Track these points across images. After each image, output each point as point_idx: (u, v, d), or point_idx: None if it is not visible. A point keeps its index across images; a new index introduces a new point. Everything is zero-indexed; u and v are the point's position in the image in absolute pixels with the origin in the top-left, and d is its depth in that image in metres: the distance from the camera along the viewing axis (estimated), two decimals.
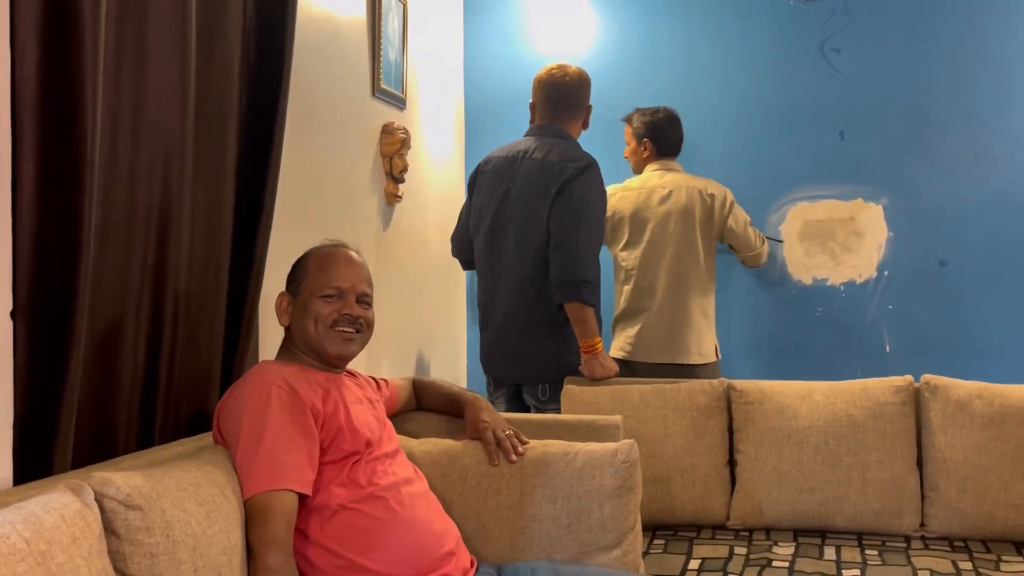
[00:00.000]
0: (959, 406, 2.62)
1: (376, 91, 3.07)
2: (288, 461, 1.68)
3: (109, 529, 1.37)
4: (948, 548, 2.51)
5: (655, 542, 2.61)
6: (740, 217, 3.42)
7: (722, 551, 2.52)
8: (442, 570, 1.74)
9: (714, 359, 3.41)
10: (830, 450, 2.65)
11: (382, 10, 3.07)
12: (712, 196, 3.37)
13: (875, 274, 3.78)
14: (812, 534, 2.63)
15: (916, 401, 2.71)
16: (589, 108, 3.18)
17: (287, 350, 1.92)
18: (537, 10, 4.06)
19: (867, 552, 2.48)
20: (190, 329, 1.94)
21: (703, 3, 3.91)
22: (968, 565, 2.37)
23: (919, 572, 2.32)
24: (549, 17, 4.05)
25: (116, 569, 1.36)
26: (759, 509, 2.68)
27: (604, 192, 3.09)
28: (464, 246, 3.32)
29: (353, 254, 1.97)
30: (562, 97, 3.13)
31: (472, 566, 1.84)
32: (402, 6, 3.29)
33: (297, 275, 1.91)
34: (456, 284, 3.99)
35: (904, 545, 2.54)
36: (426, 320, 3.64)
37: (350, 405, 1.84)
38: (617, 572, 1.91)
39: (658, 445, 2.76)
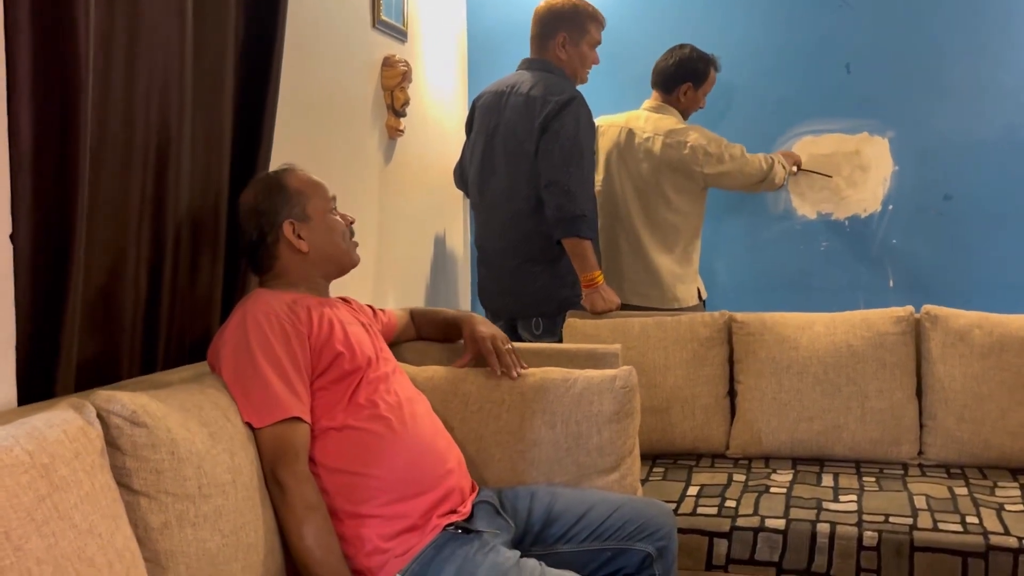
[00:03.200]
0: (959, 336, 2.64)
1: (376, 23, 3.04)
2: (300, 390, 1.72)
3: (114, 445, 1.40)
4: (945, 475, 2.55)
5: (655, 470, 2.65)
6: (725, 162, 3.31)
7: (720, 478, 2.55)
8: (445, 486, 1.77)
9: (695, 303, 3.39)
10: (830, 380, 2.68)
11: None
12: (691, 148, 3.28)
13: (880, 208, 3.76)
14: (811, 462, 2.67)
15: (916, 331, 2.73)
16: (574, 33, 3.13)
17: (278, 280, 1.91)
18: None
19: (864, 479, 2.51)
20: (191, 256, 1.96)
21: None
22: (964, 490, 2.40)
23: (915, 497, 2.35)
24: None
25: (121, 484, 1.39)
26: (758, 438, 2.72)
27: (591, 124, 3.10)
28: (464, 179, 3.40)
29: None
30: (540, 30, 3.15)
31: (473, 490, 1.88)
32: None
33: (292, 200, 1.90)
34: (458, 218, 4.00)
35: (902, 472, 2.57)
36: (429, 254, 3.65)
37: (347, 326, 1.86)
38: (615, 495, 1.94)
39: (659, 376, 2.78)
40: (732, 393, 2.82)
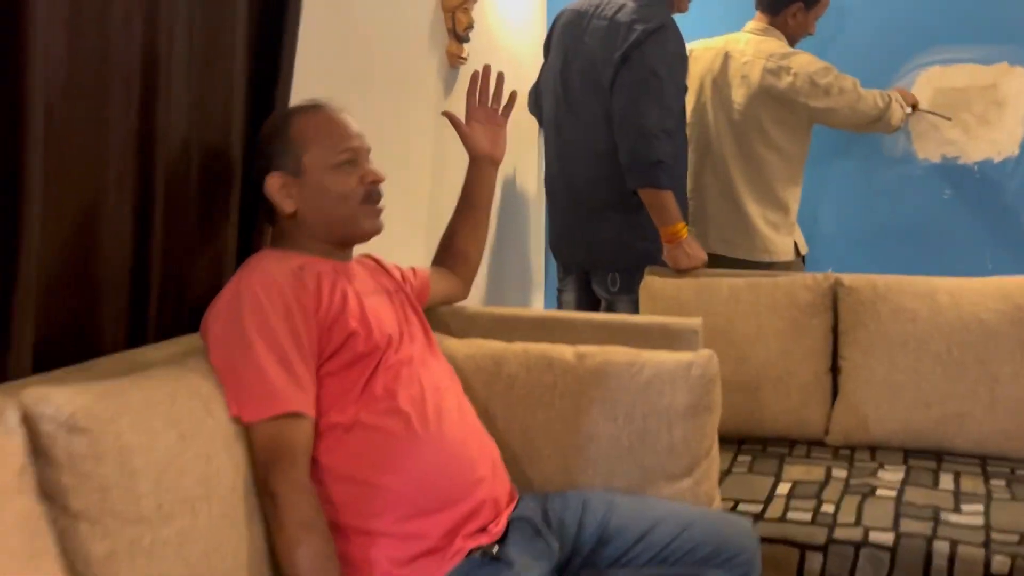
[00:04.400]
0: None
1: None
2: (303, 378, 1.44)
3: (46, 457, 1.13)
4: None
5: (740, 458, 2.32)
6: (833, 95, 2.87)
7: (817, 472, 2.20)
8: (473, 499, 1.47)
9: (790, 258, 2.99)
10: (954, 359, 2.28)
11: None
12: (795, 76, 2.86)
13: (1017, 152, 3.27)
14: (926, 456, 2.29)
15: None
16: None
17: (285, 238, 1.62)
18: None
19: (992, 482, 2.12)
20: (193, 204, 1.66)
21: None
22: None
23: None
24: None
25: (59, 505, 1.13)
26: (864, 424, 2.34)
27: (682, 57, 2.73)
28: (539, 107, 3.08)
29: (339, 109, 1.66)
30: None
31: (512, 500, 1.57)
32: None
33: (287, 148, 1.58)
34: (532, 152, 3.63)
35: None
36: (495, 196, 3.31)
37: (364, 298, 1.56)
38: (685, 508, 1.62)
39: (749, 348, 2.43)
40: (835, 370, 2.44)
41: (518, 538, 1.47)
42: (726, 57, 2.96)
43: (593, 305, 2.96)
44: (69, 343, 1.44)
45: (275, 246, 1.64)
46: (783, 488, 2.11)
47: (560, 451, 1.71)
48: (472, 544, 1.43)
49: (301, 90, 1.87)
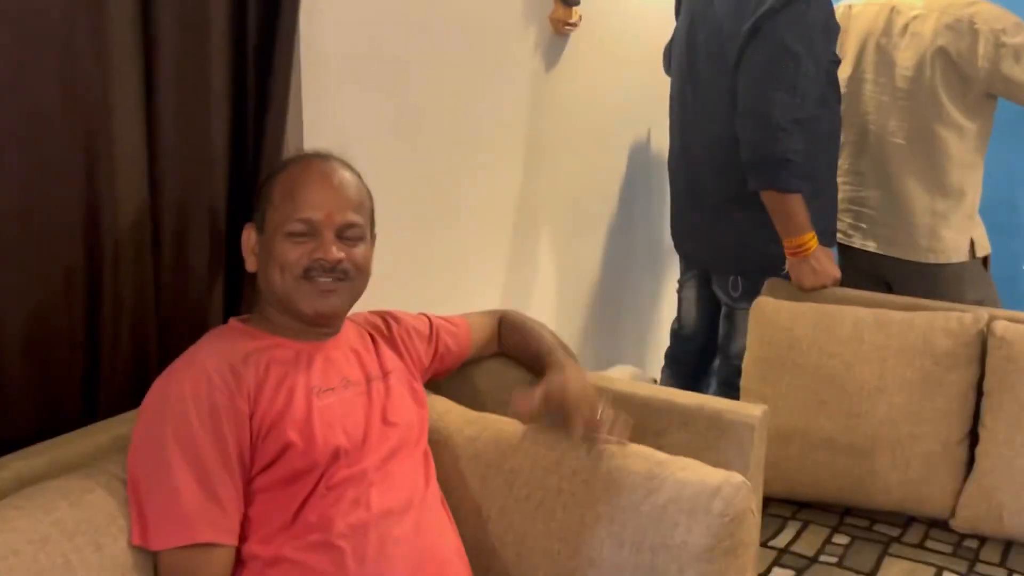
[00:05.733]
0: None
1: None
2: (225, 499, 1.25)
3: None
4: None
5: (835, 538, 1.98)
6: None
7: (925, 573, 1.82)
8: None
9: (964, 259, 2.49)
10: None
11: None
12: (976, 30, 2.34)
13: None
14: None
15: None
16: None
17: (260, 306, 1.44)
18: None
19: None
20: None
21: None
22: None
23: None
24: None
25: None
26: (999, 513, 1.93)
27: (826, 29, 2.29)
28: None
29: (335, 169, 1.42)
30: None
31: None
32: None
33: (262, 202, 1.41)
34: (655, 136, 3.22)
35: None
36: (619, 172, 2.99)
37: (319, 397, 1.35)
38: None
39: (867, 401, 2.06)
40: (973, 439, 2.01)
41: None
42: (892, 11, 2.49)
43: (714, 308, 2.63)
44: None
45: (250, 314, 1.47)
46: None
47: (555, 571, 1.45)
48: None
49: (368, 65, 1.88)
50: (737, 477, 1.40)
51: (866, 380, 2.05)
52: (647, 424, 1.59)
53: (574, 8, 2.52)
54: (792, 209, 2.23)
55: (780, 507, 2.09)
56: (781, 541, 1.96)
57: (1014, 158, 2.79)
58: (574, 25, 2.54)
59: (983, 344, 2.02)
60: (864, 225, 2.58)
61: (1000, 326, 2.00)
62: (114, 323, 1.44)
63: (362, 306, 1.54)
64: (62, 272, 1.38)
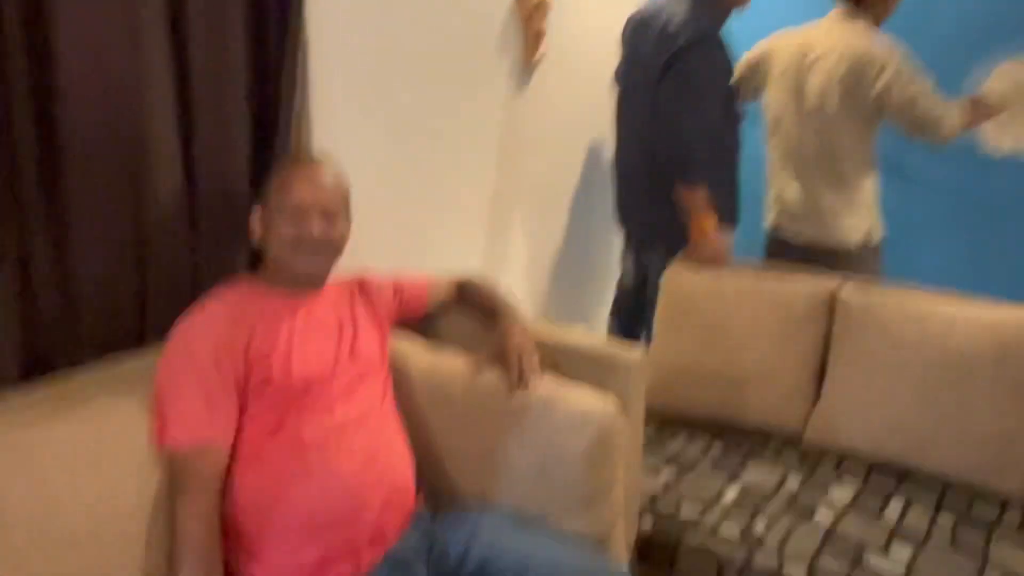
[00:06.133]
0: None
1: None
2: (221, 412, 1.24)
3: None
4: None
5: (712, 450, 1.92)
6: (905, 91, 2.13)
7: (773, 479, 1.79)
8: (351, 534, 1.23)
9: (860, 242, 2.29)
10: (929, 389, 1.75)
11: None
12: (868, 63, 2.15)
13: None
14: (889, 473, 1.80)
15: None
16: None
17: (266, 264, 1.42)
18: None
19: (940, 518, 1.63)
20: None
21: None
22: None
23: (988, 571, 1.46)
24: None
25: None
26: (836, 434, 1.87)
27: (723, 66, 2.17)
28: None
29: (319, 168, 1.40)
30: None
31: (403, 526, 1.31)
32: None
33: (271, 187, 1.39)
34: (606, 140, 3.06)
35: (995, 514, 1.64)
36: (571, 176, 2.87)
37: (298, 336, 1.33)
38: (568, 555, 1.30)
39: (742, 345, 1.99)
40: (822, 376, 1.94)
41: (382, 574, 1.23)
42: (803, 50, 2.29)
43: (646, 270, 2.55)
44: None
45: (257, 271, 1.44)
46: (731, 493, 1.72)
47: (481, 471, 1.43)
48: (338, 573, 1.21)
49: (372, 87, 1.81)
50: (609, 402, 1.37)
51: (742, 331, 1.99)
52: (560, 361, 1.54)
53: (539, 46, 2.43)
54: (696, 200, 2.15)
55: (675, 424, 2.04)
56: (672, 448, 1.92)
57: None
58: (539, 59, 2.46)
59: (832, 305, 1.95)
60: (788, 218, 2.40)
61: (844, 292, 1.93)
62: (156, 282, 1.43)
63: (373, 261, 1.61)
64: (119, 243, 1.38)
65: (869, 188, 2.32)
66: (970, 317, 1.76)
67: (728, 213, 2.32)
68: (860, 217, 2.31)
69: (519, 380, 1.42)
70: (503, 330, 1.51)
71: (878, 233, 2.35)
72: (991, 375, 1.68)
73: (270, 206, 1.37)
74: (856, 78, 2.15)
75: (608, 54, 2.71)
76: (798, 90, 2.29)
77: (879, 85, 2.14)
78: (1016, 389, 1.67)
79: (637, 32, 2.33)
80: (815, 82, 2.24)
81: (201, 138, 1.46)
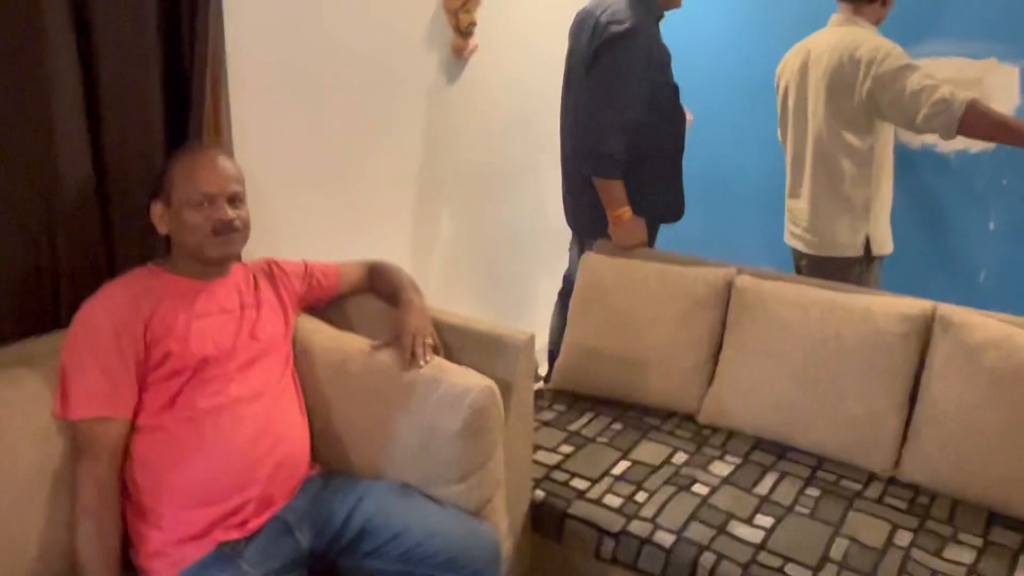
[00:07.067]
0: (969, 354, 1.71)
1: None
2: (122, 386, 1.33)
3: None
4: (905, 505, 1.71)
5: (614, 425, 2.03)
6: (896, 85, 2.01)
7: (663, 453, 1.90)
8: (240, 498, 1.33)
9: (857, 254, 2.22)
10: (808, 372, 1.87)
11: None
12: (856, 62, 2.08)
13: (993, 146, 2.57)
14: (771, 450, 1.92)
15: (925, 334, 1.81)
16: None
17: (170, 254, 1.49)
18: None
19: (807, 490, 1.75)
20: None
21: None
22: (907, 537, 1.60)
23: (838, 539, 1.58)
24: None
25: None
26: (726, 413, 2.00)
27: (647, 57, 2.20)
28: None
29: (216, 155, 1.47)
30: None
31: (290, 495, 1.42)
32: None
33: (165, 184, 1.45)
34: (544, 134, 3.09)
35: (858, 488, 1.77)
36: (504, 169, 2.93)
37: (196, 320, 1.42)
38: (440, 517, 1.41)
39: (645, 329, 2.10)
40: (717, 359, 2.06)
41: (265, 537, 1.34)
42: (805, 55, 2.25)
43: None
44: None
45: (159, 260, 1.51)
46: (620, 467, 1.84)
47: (372, 444, 1.53)
48: (224, 537, 1.32)
49: (294, 76, 1.85)
50: (487, 382, 1.48)
51: (645, 315, 2.10)
52: (453, 343, 1.65)
53: (470, 38, 2.52)
54: (612, 190, 2.22)
55: (584, 402, 2.14)
56: (575, 426, 2.03)
57: None
58: (471, 51, 2.54)
59: (729, 292, 2.07)
60: (794, 227, 2.37)
61: (740, 280, 2.04)
62: (69, 266, 1.51)
63: (295, 252, 1.67)
64: (30, 228, 1.45)
65: (869, 198, 2.20)
66: (845, 304, 1.87)
67: (673, 201, 2.38)
68: (856, 228, 2.21)
69: (411, 360, 1.52)
70: (402, 312, 1.62)
71: (883, 246, 2.26)
72: (864, 358, 1.80)
73: (173, 198, 1.43)
74: (838, 80, 2.10)
75: (544, 47, 2.79)
76: (800, 99, 2.26)
77: (866, 83, 2.05)
78: (883, 373, 1.79)
79: (579, 25, 2.36)
80: (809, 86, 2.21)
81: (110, 124, 1.52)
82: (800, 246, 2.35)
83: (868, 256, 2.24)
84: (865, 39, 2.10)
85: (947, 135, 1.98)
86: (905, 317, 1.80)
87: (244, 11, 1.80)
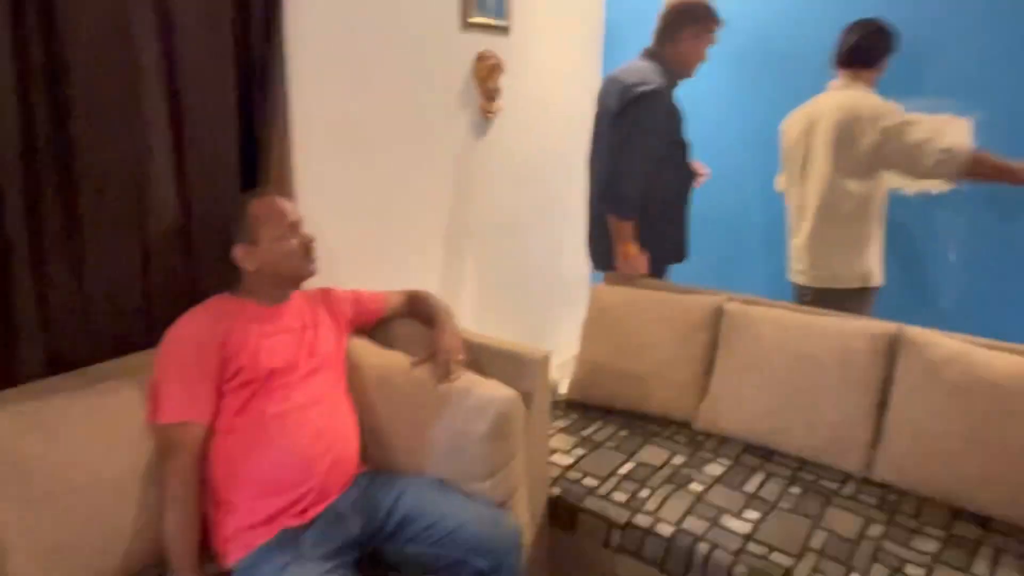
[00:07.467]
0: (932, 368, 1.70)
1: (465, 24, 2.41)
2: (201, 396, 1.38)
3: None
4: (876, 502, 1.69)
5: (620, 432, 2.04)
6: (897, 141, 2.02)
7: (662, 456, 1.90)
8: (301, 490, 1.38)
9: (853, 286, 2.19)
10: (790, 384, 1.87)
11: None
12: (860, 120, 2.07)
13: (947, 188, 2.56)
14: (758, 453, 1.91)
15: (890, 351, 1.80)
16: (694, 30, 2.23)
17: (242, 284, 1.54)
18: None
19: (791, 489, 1.74)
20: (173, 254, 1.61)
21: None
22: (878, 530, 1.58)
23: (817, 531, 1.57)
24: None
25: None
26: (718, 421, 1.99)
27: (666, 116, 2.21)
28: None
29: (277, 196, 1.54)
30: (666, 23, 2.26)
31: (344, 487, 1.45)
32: None
33: (246, 228, 1.50)
34: (578, 194, 3.12)
35: (835, 487, 1.75)
36: (525, 209, 2.97)
37: (264, 340, 1.47)
38: (470, 509, 1.44)
39: (648, 347, 2.11)
40: (711, 373, 2.06)
41: (321, 524, 1.37)
42: (811, 116, 2.24)
43: None
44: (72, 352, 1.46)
45: (234, 289, 1.56)
46: (626, 467, 1.84)
47: (412, 445, 1.56)
48: (287, 524, 1.35)
49: (357, 141, 1.91)
50: (510, 392, 1.50)
51: (647, 336, 2.11)
52: (480, 359, 1.67)
53: (494, 102, 2.59)
54: (624, 229, 2.23)
55: (595, 412, 2.15)
56: (587, 432, 2.03)
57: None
58: (496, 112, 2.61)
59: (720, 316, 2.08)
60: (795, 264, 2.34)
61: (729, 306, 2.05)
62: (159, 291, 1.58)
63: (347, 280, 1.73)
64: (126, 258, 1.53)
65: (866, 237, 2.19)
66: (819, 325, 1.88)
67: (666, 248, 2.36)
68: (851, 263, 2.20)
69: (445, 374, 1.56)
70: (437, 333, 1.66)
71: (874, 278, 2.24)
72: (836, 372, 1.80)
73: (261, 236, 1.48)
74: (844, 135, 2.09)
75: (557, 111, 2.86)
76: (806, 152, 2.25)
77: (867, 140, 2.05)
78: (855, 386, 1.79)
79: (607, 87, 2.36)
80: (815, 142, 2.21)
81: (194, 177, 1.60)
82: (803, 280, 2.31)
83: (863, 287, 2.23)
84: (866, 99, 2.12)
85: (952, 179, 2.00)
86: (873, 336, 1.80)
87: (306, 79, 1.88)
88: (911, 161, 2.03)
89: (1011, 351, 1.68)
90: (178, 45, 1.52)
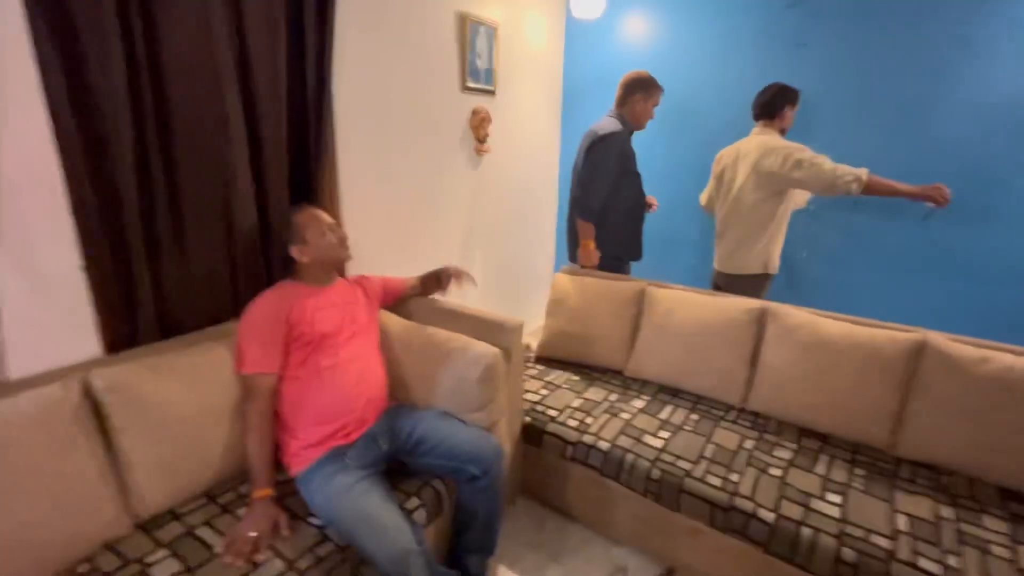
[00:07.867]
0: (788, 331, 1.73)
1: (464, 88, 2.37)
2: (272, 353, 1.36)
3: (97, 400, 1.14)
4: (749, 424, 1.72)
5: (572, 377, 2.03)
6: (800, 169, 1.99)
7: (601, 393, 1.91)
8: (346, 419, 1.38)
9: (757, 272, 2.16)
10: (690, 343, 1.88)
11: (468, 37, 2.30)
12: (775, 151, 2.05)
13: (804, 206, 2.55)
14: (670, 392, 1.92)
15: (761, 320, 1.82)
16: (643, 96, 2.19)
17: (298, 272, 1.51)
18: (623, 28, 2.94)
19: (691, 415, 1.77)
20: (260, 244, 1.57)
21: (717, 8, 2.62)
22: (751, 443, 1.61)
23: (708, 445, 1.60)
24: (630, 33, 2.92)
25: (111, 442, 1.14)
26: (641, 368, 2.00)
27: (619, 153, 2.16)
28: None
29: (312, 207, 1.52)
30: (624, 90, 2.21)
31: (376, 418, 1.45)
32: (492, 30, 2.46)
33: (299, 231, 1.47)
34: (545, 210, 3.13)
35: (721, 414, 1.78)
36: (517, 218, 2.96)
37: (317, 312, 1.45)
38: (467, 431, 1.44)
39: (592, 318, 2.10)
40: (635, 337, 2.07)
41: (361, 444, 1.37)
42: (737, 152, 2.20)
43: None
44: (181, 318, 1.43)
45: (292, 276, 1.53)
46: (577, 402, 1.85)
47: (427, 387, 1.57)
48: (335, 443, 1.35)
49: (387, 169, 1.88)
50: (495, 350, 1.50)
51: (593, 310, 2.09)
52: (473, 325, 1.64)
53: (484, 144, 2.55)
54: (586, 229, 2.19)
55: (556, 363, 2.14)
56: (550, 378, 2.02)
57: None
58: (486, 152, 2.58)
59: (643, 295, 2.08)
60: (717, 256, 2.32)
61: (649, 289, 2.05)
62: (243, 274, 1.54)
63: (380, 266, 1.70)
64: (217, 246, 1.49)
65: (770, 236, 2.17)
66: (708, 302, 1.88)
67: (624, 248, 2.31)
68: (759, 255, 2.18)
69: (445, 284, 1.58)
70: (442, 269, 1.66)
71: (772, 267, 2.21)
72: (722, 332, 1.81)
73: (309, 237, 1.46)
74: (764, 164, 2.08)
75: (532, 152, 2.82)
76: (731, 177, 2.24)
77: (778, 167, 2.04)
78: (735, 344, 1.79)
79: (583, 137, 2.28)
80: (738, 169, 2.20)
81: (269, 193, 1.57)
82: (721, 267, 2.31)
83: (765, 274, 2.24)
84: (778, 141, 2.12)
85: (855, 194, 1.98)
86: (749, 310, 1.82)
87: (347, 125, 1.85)
88: (822, 182, 1.99)
89: (842, 320, 1.71)
90: (255, 93, 1.48)
